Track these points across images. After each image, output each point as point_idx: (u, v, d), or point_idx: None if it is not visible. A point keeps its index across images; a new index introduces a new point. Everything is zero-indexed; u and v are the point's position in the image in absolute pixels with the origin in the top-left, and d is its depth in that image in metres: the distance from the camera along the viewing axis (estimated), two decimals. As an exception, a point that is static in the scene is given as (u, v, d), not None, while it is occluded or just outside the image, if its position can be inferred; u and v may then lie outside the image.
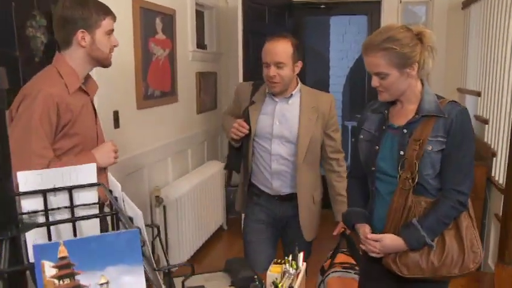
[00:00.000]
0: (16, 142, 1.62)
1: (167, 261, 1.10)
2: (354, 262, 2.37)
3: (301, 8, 4.80)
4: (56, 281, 0.65)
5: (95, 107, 1.95)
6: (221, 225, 4.36)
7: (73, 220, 0.86)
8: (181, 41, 3.75)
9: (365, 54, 1.69)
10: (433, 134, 1.63)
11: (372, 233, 1.77)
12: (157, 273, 0.86)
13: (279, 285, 1.45)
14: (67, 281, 0.65)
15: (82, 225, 0.88)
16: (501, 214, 2.95)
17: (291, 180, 2.35)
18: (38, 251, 0.65)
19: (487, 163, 3.34)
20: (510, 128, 3.00)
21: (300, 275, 1.55)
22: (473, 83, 3.90)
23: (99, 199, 0.92)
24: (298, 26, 4.88)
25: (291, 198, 2.36)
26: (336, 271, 2.37)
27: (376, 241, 1.73)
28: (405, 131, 1.69)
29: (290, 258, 1.54)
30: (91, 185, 0.87)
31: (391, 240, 1.69)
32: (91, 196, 0.88)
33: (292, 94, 2.32)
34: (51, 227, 0.85)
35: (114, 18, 1.85)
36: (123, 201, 0.93)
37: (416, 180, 1.64)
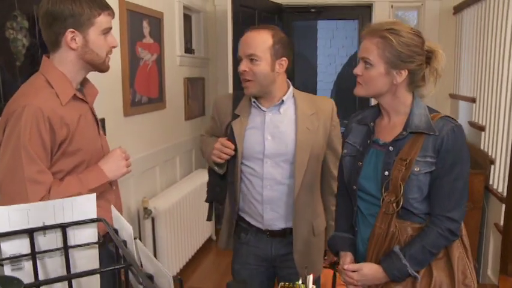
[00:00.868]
0: (7, 170, 1.40)
1: None
2: None
3: (290, 12, 4.70)
4: None
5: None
6: (210, 236, 4.21)
7: (69, 278, 0.66)
8: (169, 45, 3.60)
9: (363, 37, 1.55)
10: (422, 154, 1.46)
11: (357, 257, 1.62)
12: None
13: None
14: None
15: (78, 265, 0.71)
16: (502, 224, 2.87)
17: (285, 210, 1.93)
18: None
19: (485, 171, 3.27)
20: (508, 135, 2.94)
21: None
22: (467, 89, 3.84)
23: (99, 236, 0.73)
24: (288, 30, 4.78)
25: (285, 233, 1.96)
26: None
27: (355, 271, 1.56)
28: (391, 148, 1.52)
29: (300, 282, 1.40)
30: (90, 221, 0.68)
31: (370, 270, 1.52)
32: (89, 234, 0.70)
33: (283, 100, 1.91)
34: (38, 264, 0.67)
35: (112, 14, 1.57)
36: (136, 248, 0.72)
37: (401, 204, 1.47)
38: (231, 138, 1.92)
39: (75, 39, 1.50)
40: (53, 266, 0.72)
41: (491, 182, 3.23)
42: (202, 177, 3.96)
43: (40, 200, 1.38)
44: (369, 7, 4.57)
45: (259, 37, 1.83)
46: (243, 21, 3.99)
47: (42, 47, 2.12)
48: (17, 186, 1.39)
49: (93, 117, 1.66)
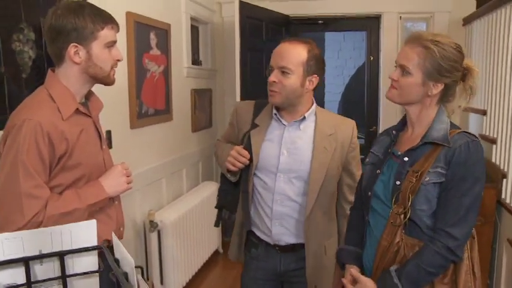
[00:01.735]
0: (5, 184, 1.39)
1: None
2: None
3: (298, 24, 4.68)
4: None
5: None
6: (217, 248, 4.16)
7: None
8: (176, 56, 3.59)
9: (405, 43, 1.52)
10: (434, 165, 1.43)
11: (364, 271, 1.58)
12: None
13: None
14: None
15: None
16: (516, 239, 2.80)
17: (295, 227, 1.89)
18: None
19: (496, 185, 3.20)
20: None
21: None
22: (478, 102, 3.79)
23: (100, 265, 0.69)
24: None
25: (294, 249, 1.92)
26: None
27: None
28: (406, 159, 1.50)
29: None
30: (90, 249, 0.64)
31: (367, 286, 1.48)
32: (89, 262, 0.65)
33: (305, 117, 1.88)
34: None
35: (116, 27, 1.57)
36: (137, 282, 0.67)
37: (408, 215, 1.42)
38: (247, 147, 1.90)
39: (78, 54, 1.50)
40: (50, 297, 0.68)
41: (503, 196, 3.16)
42: (209, 190, 3.93)
43: (35, 215, 1.38)
44: (377, 18, 4.55)
45: (294, 50, 1.81)
46: (251, 33, 3.98)
47: (48, 59, 2.09)
48: (12, 201, 1.38)
49: (96, 131, 1.65)
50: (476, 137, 1.48)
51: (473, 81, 1.49)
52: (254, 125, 1.93)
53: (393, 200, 1.48)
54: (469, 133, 1.48)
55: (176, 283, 3.24)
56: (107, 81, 1.60)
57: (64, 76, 1.54)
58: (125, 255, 0.63)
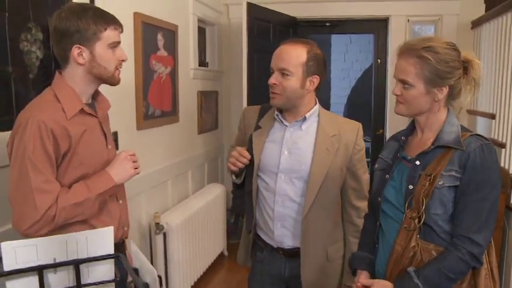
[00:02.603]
0: (17, 182, 1.43)
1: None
2: None
3: (305, 25, 4.66)
4: None
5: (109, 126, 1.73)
6: (222, 251, 4.14)
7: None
8: (183, 58, 3.57)
9: (398, 56, 1.50)
10: (447, 168, 1.41)
11: (376, 276, 1.56)
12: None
13: None
14: None
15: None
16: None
17: (296, 228, 1.87)
18: None
19: (506, 190, 3.16)
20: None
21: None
22: (486, 105, 3.75)
23: (116, 275, 0.66)
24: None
25: (299, 254, 1.89)
26: None
27: (366, 287, 1.49)
28: (417, 163, 1.48)
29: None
30: (107, 257, 0.61)
31: (385, 286, 1.45)
32: (105, 270, 0.62)
33: (306, 117, 1.87)
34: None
35: (119, 27, 1.59)
36: None
37: (423, 220, 1.40)
38: (250, 148, 1.90)
39: (82, 55, 1.54)
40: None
41: (512, 201, 3.12)
42: (214, 192, 3.91)
43: (49, 209, 1.42)
44: (385, 21, 4.53)
45: (293, 52, 1.80)
46: (258, 35, 3.97)
47: (56, 59, 2.08)
48: (25, 197, 1.42)
49: (101, 131, 1.67)
50: (489, 140, 1.45)
51: (475, 73, 1.47)
52: (257, 127, 1.95)
53: (406, 204, 1.46)
54: (481, 136, 1.46)
55: (181, 286, 3.22)
56: (112, 81, 1.63)
57: (70, 77, 1.57)
58: (146, 264, 0.61)
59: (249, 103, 3.62)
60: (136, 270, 0.62)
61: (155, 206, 3.18)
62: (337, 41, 6.82)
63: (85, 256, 0.61)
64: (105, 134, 1.68)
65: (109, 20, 1.56)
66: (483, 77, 3.82)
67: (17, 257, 0.59)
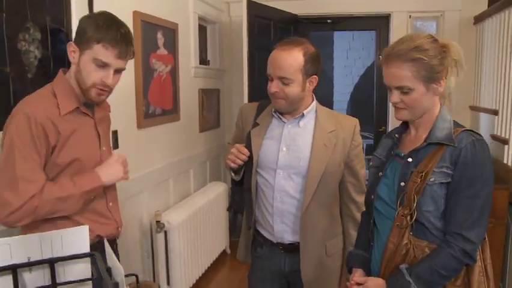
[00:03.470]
0: (2, 170, 1.45)
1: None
2: None
3: (307, 23, 4.65)
4: None
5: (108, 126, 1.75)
6: (224, 249, 4.14)
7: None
8: (183, 56, 3.57)
9: (385, 64, 1.47)
10: (439, 165, 1.39)
11: (372, 274, 1.55)
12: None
13: None
14: None
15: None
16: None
17: (295, 224, 1.88)
18: None
19: (509, 186, 3.15)
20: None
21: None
22: (489, 101, 3.73)
23: (93, 273, 0.65)
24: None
25: (298, 249, 1.90)
26: None
27: (360, 284, 1.49)
28: (410, 160, 1.46)
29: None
30: (82, 256, 0.60)
31: (374, 285, 1.45)
32: (81, 269, 0.62)
33: (303, 114, 1.88)
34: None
35: (113, 49, 1.51)
36: None
37: (415, 217, 1.39)
38: (248, 145, 1.91)
39: (73, 54, 1.55)
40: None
41: (515, 198, 3.11)
42: (216, 190, 3.91)
43: (31, 198, 1.41)
44: (387, 18, 4.50)
45: (290, 58, 1.77)
46: (259, 32, 3.96)
47: (54, 59, 2.09)
48: (8, 183, 1.42)
49: (95, 132, 1.67)
50: (481, 135, 1.44)
51: (455, 54, 1.44)
52: (255, 124, 1.95)
53: (398, 201, 1.45)
54: (473, 131, 1.44)
55: (183, 284, 3.22)
56: (86, 96, 1.57)
57: (69, 74, 1.59)
58: (116, 264, 0.61)
59: (250, 101, 3.61)
60: (109, 270, 0.61)
61: (157, 205, 3.18)
62: (340, 38, 6.79)
63: (60, 255, 0.60)
64: (99, 136, 1.68)
65: (106, 36, 1.49)
66: (485, 73, 3.82)
67: (-9, 255, 0.59)
